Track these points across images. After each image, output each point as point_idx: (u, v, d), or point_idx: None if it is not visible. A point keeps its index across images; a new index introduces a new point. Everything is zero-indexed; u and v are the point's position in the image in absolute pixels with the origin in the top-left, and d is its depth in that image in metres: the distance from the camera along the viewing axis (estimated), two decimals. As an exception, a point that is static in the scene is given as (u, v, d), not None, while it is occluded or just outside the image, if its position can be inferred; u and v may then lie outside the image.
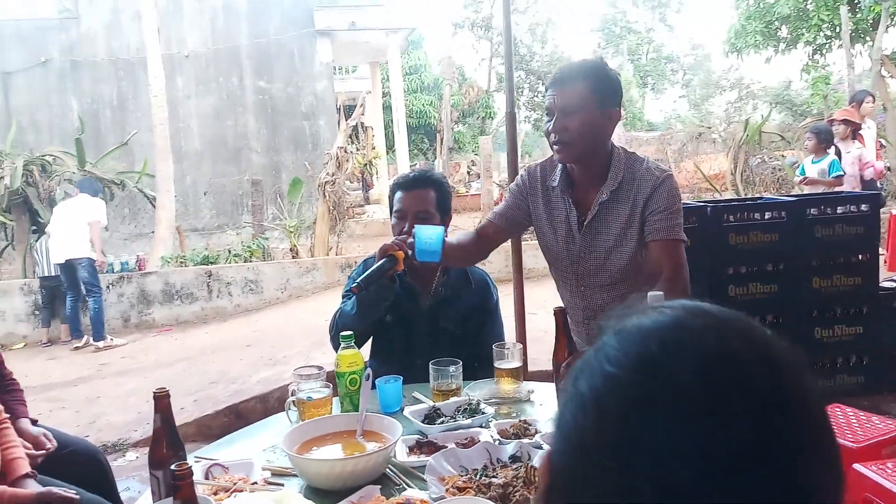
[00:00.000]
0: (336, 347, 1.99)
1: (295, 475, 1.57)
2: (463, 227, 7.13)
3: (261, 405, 4.16)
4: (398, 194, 2.35)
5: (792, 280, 3.94)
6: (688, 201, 5.14)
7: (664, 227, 1.95)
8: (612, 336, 0.51)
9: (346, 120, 9.56)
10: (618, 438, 0.46)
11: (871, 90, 8.62)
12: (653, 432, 0.45)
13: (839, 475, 0.48)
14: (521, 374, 2.08)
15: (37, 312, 7.22)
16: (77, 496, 1.96)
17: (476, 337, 2.35)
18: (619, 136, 7.56)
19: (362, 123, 9.21)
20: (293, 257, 8.31)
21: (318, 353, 4.47)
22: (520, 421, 1.77)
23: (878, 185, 6.68)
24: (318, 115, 13.09)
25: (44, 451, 2.23)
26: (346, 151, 8.70)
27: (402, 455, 1.63)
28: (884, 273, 4.76)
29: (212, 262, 7.88)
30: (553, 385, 1.96)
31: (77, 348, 6.72)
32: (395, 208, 2.35)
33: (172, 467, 1.08)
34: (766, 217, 3.93)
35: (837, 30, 13.40)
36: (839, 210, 3.98)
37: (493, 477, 1.45)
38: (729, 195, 9.44)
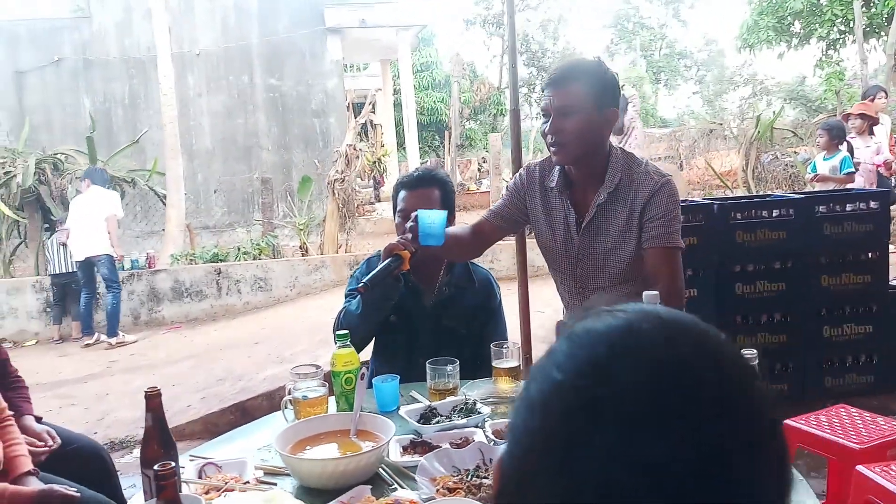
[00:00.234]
0: None
1: (288, 475, 1.57)
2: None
3: (267, 403, 4.18)
4: (402, 193, 2.35)
5: (800, 278, 3.90)
6: (694, 199, 5.12)
7: (661, 234, 1.93)
8: (563, 340, 0.51)
9: (357, 117, 9.57)
10: (563, 441, 0.46)
11: (885, 85, 8.52)
12: (596, 436, 0.45)
13: (784, 478, 0.48)
14: (520, 373, 2.07)
15: (48, 309, 7.29)
16: (78, 494, 1.97)
17: (479, 336, 2.34)
18: (636, 134, 7.50)
19: (371, 121, 9.20)
20: (303, 255, 8.33)
21: (324, 351, 4.48)
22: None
23: (892, 181, 6.62)
24: (329, 112, 13.10)
25: (47, 449, 2.25)
26: (355, 149, 8.71)
27: (395, 455, 1.63)
28: (893, 271, 4.71)
29: (221, 260, 7.92)
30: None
31: (88, 345, 6.78)
32: (399, 207, 2.35)
33: (155, 467, 1.08)
34: (774, 214, 3.90)
35: (851, 25, 13.25)
36: (848, 207, 3.94)
37: (485, 477, 1.45)
38: (741, 192, 9.37)
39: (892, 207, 6.29)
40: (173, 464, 1.09)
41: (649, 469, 0.43)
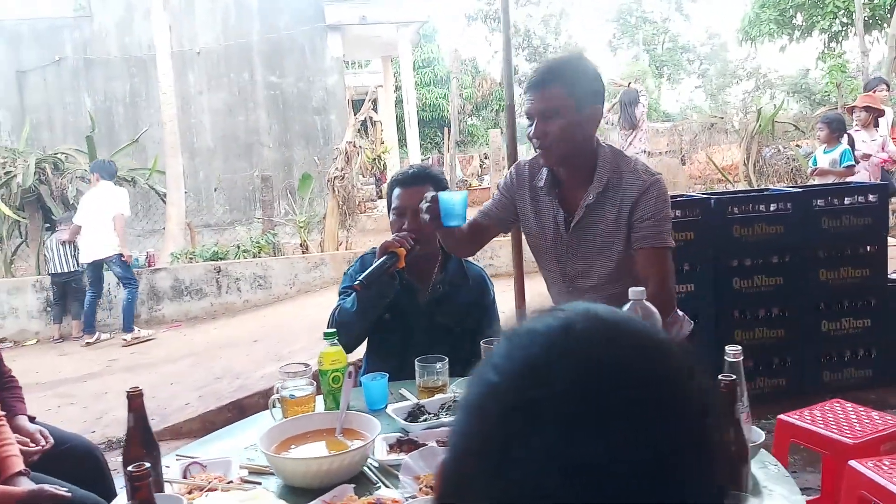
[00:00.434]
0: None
1: (273, 474, 1.57)
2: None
3: (263, 400, 4.16)
4: (396, 191, 2.34)
5: (798, 272, 3.88)
6: (691, 193, 5.10)
7: (651, 234, 1.92)
8: (503, 341, 0.51)
9: (357, 114, 9.56)
10: (499, 444, 0.46)
11: (887, 77, 8.48)
12: (533, 438, 0.45)
13: (725, 477, 0.49)
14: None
15: (48, 309, 7.30)
16: (69, 494, 1.97)
17: (474, 333, 2.33)
18: (643, 127, 7.54)
19: (371, 118, 9.19)
20: (303, 252, 8.33)
21: (322, 349, 4.48)
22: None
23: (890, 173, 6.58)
24: (330, 109, 13.09)
25: (39, 449, 2.25)
26: (354, 146, 8.70)
27: (381, 453, 1.62)
28: (893, 264, 4.69)
29: (221, 258, 7.93)
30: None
31: (88, 344, 6.79)
32: (393, 205, 2.33)
33: (129, 468, 1.07)
34: (772, 209, 3.88)
35: (853, 16, 13.18)
36: (847, 201, 3.92)
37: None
38: (742, 186, 9.33)
39: (892, 200, 6.27)
40: (147, 464, 1.08)
41: (586, 471, 0.43)
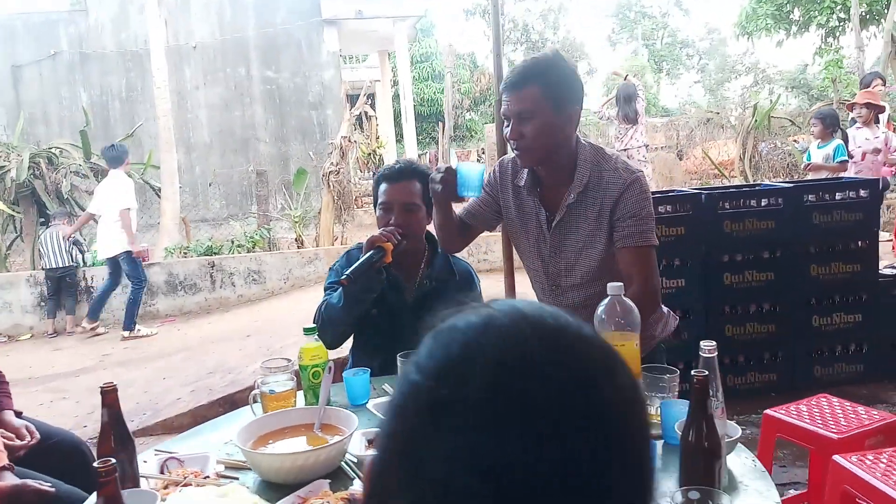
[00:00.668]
0: (323, 339, 1.97)
1: (250, 469, 1.57)
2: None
3: (255, 396, 4.18)
4: (383, 186, 2.32)
5: (789, 267, 3.88)
6: (682, 188, 5.09)
7: (634, 232, 1.90)
8: (428, 338, 0.50)
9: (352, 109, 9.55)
10: (414, 445, 0.46)
11: (883, 73, 8.46)
12: (441, 439, 0.44)
13: (643, 478, 0.48)
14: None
15: (43, 304, 7.29)
16: (52, 489, 1.97)
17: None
18: (642, 121, 7.55)
19: (366, 113, 9.17)
20: (298, 247, 8.33)
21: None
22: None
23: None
24: (326, 104, 13.07)
25: (24, 444, 2.25)
26: (350, 141, 8.68)
27: (360, 448, 1.61)
28: (887, 259, 4.69)
29: (215, 253, 7.92)
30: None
31: (87, 329, 6.80)
32: (380, 200, 2.31)
33: (95, 464, 1.07)
34: (763, 204, 3.87)
35: (850, 12, 13.16)
36: (838, 196, 3.92)
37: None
38: (738, 181, 9.33)
39: (886, 195, 6.26)
40: (113, 461, 1.08)
41: (500, 471, 0.43)
